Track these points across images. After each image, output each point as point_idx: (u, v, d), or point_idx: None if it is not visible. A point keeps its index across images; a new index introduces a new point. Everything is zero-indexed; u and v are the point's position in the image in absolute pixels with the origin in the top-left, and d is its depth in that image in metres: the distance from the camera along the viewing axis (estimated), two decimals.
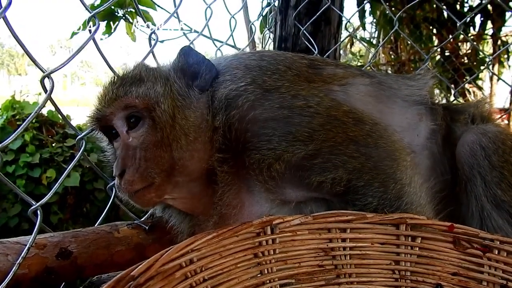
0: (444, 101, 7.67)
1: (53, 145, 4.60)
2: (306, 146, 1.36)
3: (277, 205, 1.45)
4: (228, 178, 1.43)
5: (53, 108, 4.80)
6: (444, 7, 5.88)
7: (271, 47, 2.98)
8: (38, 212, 1.37)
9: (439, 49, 6.97)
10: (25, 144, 4.43)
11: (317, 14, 2.48)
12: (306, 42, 2.56)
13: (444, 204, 1.54)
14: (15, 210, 4.32)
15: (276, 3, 2.83)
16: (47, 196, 1.44)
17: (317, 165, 1.37)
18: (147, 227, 1.67)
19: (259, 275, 1.24)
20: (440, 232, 1.32)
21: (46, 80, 1.41)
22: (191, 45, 2.01)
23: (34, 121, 4.66)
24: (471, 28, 6.82)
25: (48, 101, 1.48)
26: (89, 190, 4.58)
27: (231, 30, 2.57)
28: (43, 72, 1.39)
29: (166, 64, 1.61)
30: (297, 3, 2.63)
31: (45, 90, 1.40)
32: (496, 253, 1.29)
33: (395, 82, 1.72)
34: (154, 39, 1.92)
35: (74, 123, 5.17)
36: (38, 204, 1.37)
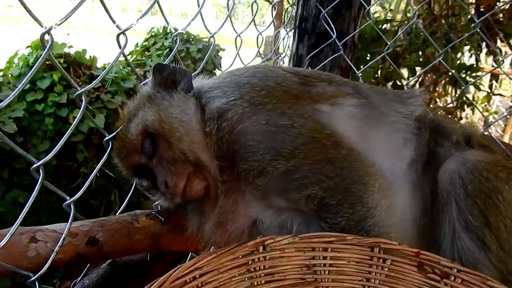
0: (473, 59, 7.51)
1: (80, 86, 4.76)
2: (287, 162, 1.51)
3: (263, 209, 1.63)
4: (227, 187, 1.60)
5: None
6: None
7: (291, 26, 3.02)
8: (72, 206, 1.57)
9: (474, 5, 6.73)
10: (54, 84, 4.60)
11: None
12: (326, 25, 2.58)
13: (424, 223, 1.70)
14: (44, 146, 4.57)
15: None
16: (79, 192, 1.65)
17: (296, 180, 1.52)
18: (163, 219, 1.85)
19: (250, 287, 1.46)
20: (408, 256, 1.49)
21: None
22: None
23: (62, 61, 4.81)
24: None
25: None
26: (113, 131, 4.79)
27: None
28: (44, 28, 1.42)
29: (148, 83, 1.78)
30: None
31: (44, 47, 1.44)
32: (453, 279, 1.45)
33: (386, 105, 1.80)
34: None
35: (101, 60, 5.34)
36: (71, 199, 1.58)
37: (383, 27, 6.50)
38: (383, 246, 1.49)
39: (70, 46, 4.98)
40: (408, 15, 7.86)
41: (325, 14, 2.58)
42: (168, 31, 6.21)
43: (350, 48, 2.70)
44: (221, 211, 1.62)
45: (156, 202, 1.95)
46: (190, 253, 2.27)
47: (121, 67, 5.21)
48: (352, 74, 2.78)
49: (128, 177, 1.80)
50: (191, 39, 6.55)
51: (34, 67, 1.44)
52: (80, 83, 4.81)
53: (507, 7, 6.86)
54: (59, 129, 4.60)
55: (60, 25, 1.46)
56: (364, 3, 2.60)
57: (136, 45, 6.26)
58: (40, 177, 1.44)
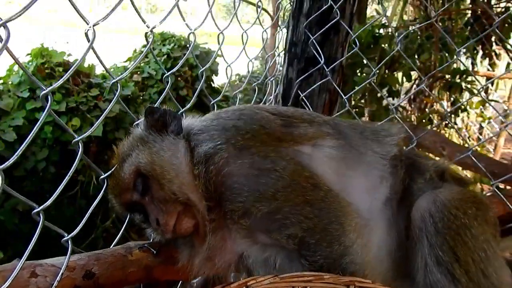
0: (470, 62, 7.55)
1: (79, 94, 4.84)
2: (270, 204, 1.59)
3: (249, 245, 1.72)
4: (215, 225, 1.68)
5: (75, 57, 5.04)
6: None
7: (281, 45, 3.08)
8: (69, 242, 1.65)
9: (469, 8, 6.78)
10: (53, 92, 4.66)
11: (326, 27, 2.54)
12: (314, 51, 2.65)
13: (399, 257, 1.77)
14: (42, 154, 4.66)
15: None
16: (77, 229, 1.70)
17: (278, 220, 1.60)
18: (155, 251, 1.95)
19: None
20: None
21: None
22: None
23: (61, 69, 4.89)
24: None
25: None
26: (111, 139, 4.87)
27: None
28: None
29: (141, 125, 1.83)
30: (309, 12, 2.67)
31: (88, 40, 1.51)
32: None
33: (363, 145, 1.88)
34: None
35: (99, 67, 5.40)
36: (69, 236, 1.64)
37: (379, 31, 6.54)
38: (358, 284, 1.57)
39: (69, 55, 5.05)
40: (405, 17, 7.94)
41: (313, 40, 2.66)
42: (166, 37, 6.27)
43: (338, 72, 2.77)
44: (210, 246, 1.70)
45: (148, 233, 2.05)
46: (180, 281, 2.37)
47: (119, 74, 5.28)
48: (339, 97, 2.86)
49: (121, 213, 1.88)
50: (188, 45, 6.54)
51: None
52: (79, 91, 4.90)
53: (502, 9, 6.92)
54: (57, 137, 4.68)
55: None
56: (350, 31, 2.67)
57: (134, 51, 6.31)
58: (41, 221, 1.51)
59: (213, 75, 6.48)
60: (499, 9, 7.06)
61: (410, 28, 7.09)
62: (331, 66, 2.71)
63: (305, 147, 1.77)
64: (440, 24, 7.12)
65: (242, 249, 1.73)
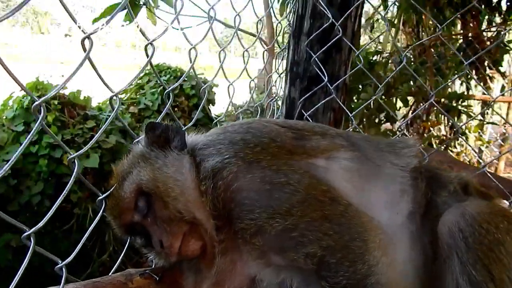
0: (464, 86, 7.61)
1: (74, 126, 4.77)
2: (285, 220, 1.46)
3: (262, 267, 1.59)
4: (224, 246, 1.57)
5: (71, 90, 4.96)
6: None
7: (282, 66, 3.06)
8: (64, 269, 1.53)
9: (461, 34, 6.86)
10: (48, 125, 4.60)
11: (328, 44, 2.51)
12: (317, 69, 2.61)
13: (426, 277, 1.64)
14: (37, 188, 4.55)
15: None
16: (71, 256, 1.58)
17: (294, 238, 1.47)
18: (157, 278, 1.83)
19: None
20: None
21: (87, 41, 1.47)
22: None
23: (56, 102, 4.84)
24: (497, 13, 6.66)
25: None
26: (108, 171, 4.77)
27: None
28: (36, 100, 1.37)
29: (141, 141, 1.74)
30: (309, 31, 2.65)
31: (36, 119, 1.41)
32: None
33: (380, 157, 1.77)
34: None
35: (95, 99, 5.36)
36: (63, 263, 1.53)
37: (374, 58, 6.59)
38: None
39: (65, 88, 5.01)
40: (398, 44, 7.99)
41: (316, 58, 2.61)
42: (161, 69, 6.27)
43: (341, 90, 2.73)
44: (218, 270, 1.58)
45: (150, 258, 1.92)
46: None
47: (115, 105, 5.23)
48: (345, 116, 2.81)
49: (121, 236, 1.75)
50: (185, 78, 6.58)
51: None
52: (74, 124, 4.83)
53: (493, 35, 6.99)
54: (53, 170, 4.59)
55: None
56: (353, 47, 2.64)
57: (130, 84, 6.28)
58: (32, 245, 1.40)
59: (210, 104, 6.45)
60: (490, 34, 7.16)
61: (403, 54, 7.13)
62: (335, 84, 2.66)
63: (318, 160, 1.66)
64: (433, 50, 7.21)
65: (254, 272, 1.60)
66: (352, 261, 1.48)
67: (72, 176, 1.55)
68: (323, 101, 2.64)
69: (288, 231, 1.47)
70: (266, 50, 2.97)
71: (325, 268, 1.48)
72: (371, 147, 1.79)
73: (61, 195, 1.55)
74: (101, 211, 1.73)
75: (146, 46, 1.84)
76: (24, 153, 4.63)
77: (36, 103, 1.39)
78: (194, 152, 1.66)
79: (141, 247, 1.77)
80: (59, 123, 4.77)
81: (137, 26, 2.05)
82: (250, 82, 2.76)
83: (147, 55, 1.84)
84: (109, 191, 1.71)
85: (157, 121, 1.84)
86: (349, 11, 2.59)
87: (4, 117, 4.89)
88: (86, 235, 1.73)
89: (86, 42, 1.50)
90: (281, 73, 3.16)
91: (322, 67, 2.59)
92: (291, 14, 3.00)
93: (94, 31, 1.56)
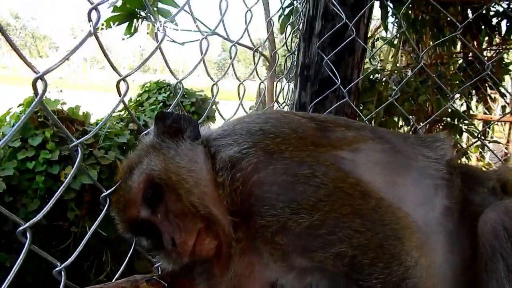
0: (464, 106, 7.59)
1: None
2: (311, 216, 1.33)
3: (284, 272, 1.45)
4: (242, 246, 1.44)
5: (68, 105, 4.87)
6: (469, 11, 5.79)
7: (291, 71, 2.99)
8: (63, 273, 1.41)
9: (461, 54, 6.86)
10: (46, 141, 4.51)
11: (341, 45, 2.45)
12: (329, 72, 2.53)
13: (465, 281, 1.51)
14: (34, 205, 4.41)
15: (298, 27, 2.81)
16: (71, 258, 1.49)
17: (321, 236, 1.34)
18: (166, 284, 1.69)
19: None
20: None
21: (39, 82, 1.29)
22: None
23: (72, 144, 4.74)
24: (497, 33, 6.68)
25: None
26: (106, 187, 4.65)
27: (245, 24, 2.50)
28: (36, 74, 1.26)
29: (151, 133, 1.65)
30: (321, 32, 2.60)
31: (36, 93, 1.30)
32: None
33: (412, 150, 1.66)
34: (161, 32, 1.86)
35: (94, 115, 5.26)
36: (62, 265, 1.42)
37: (374, 77, 6.56)
38: None
39: (63, 103, 4.94)
40: (398, 65, 8.01)
41: (328, 61, 2.54)
42: (161, 86, 6.22)
43: (354, 94, 2.66)
44: (235, 274, 1.45)
45: (157, 265, 1.77)
46: None
47: (115, 122, 5.13)
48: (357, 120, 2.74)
49: (125, 235, 1.58)
50: (184, 93, 6.53)
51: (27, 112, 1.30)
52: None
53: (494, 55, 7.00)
54: (50, 187, 4.46)
55: (52, 70, 1.30)
56: (366, 47, 2.57)
57: (130, 100, 6.23)
58: (28, 241, 1.28)
59: (210, 122, 6.37)
60: (489, 54, 7.17)
61: (404, 73, 7.14)
62: (348, 88, 2.57)
63: (345, 152, 1.53)
64: (433, 69, 7.19)
65: (275, 276, 1.46)
66: (387, 261, 1.34)
67: (75, 166, 1.42)
68: (335, 105, 2.56)
69: (315, 228, 1.34)
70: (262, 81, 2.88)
71: (356, 270, 1.34)
72: (399, 140, 1.67)
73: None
74: (104, 209, 1.61)
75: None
76: (20, 170, 4.51)
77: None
78: (208, 143, 1.54)
79: (147, 250, 1.63)
80: (57, 139, 4.66)
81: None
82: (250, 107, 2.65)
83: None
84: (114, 187, 1.59)
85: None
86: (362, 11, 2.53)
87: (1, 133, 4.78)
88: (88, 235, 1.61)
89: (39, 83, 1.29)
90: (289, 80, 3.08)
91: (334, 70, 2.51)
92: (295, 23, 2.95)
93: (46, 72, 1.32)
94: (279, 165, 1.40)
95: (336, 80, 2.50)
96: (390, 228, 1.37)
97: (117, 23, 4.14)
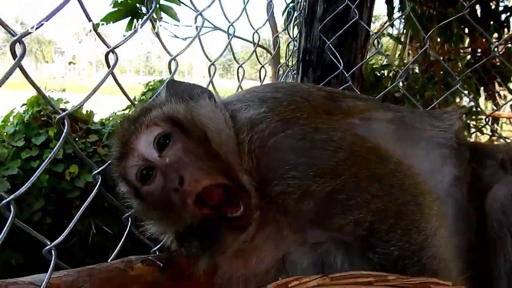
0: (472, 103, 7.48)
1: (76, 140, 4.64)
2: (333, 181, 1.28)
3: (297, 244, 1.39)
4: (258, 216, 1.36)
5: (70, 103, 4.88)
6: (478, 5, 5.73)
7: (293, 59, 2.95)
8: (53, 251, 1.35)
9: (469, 50, 6.78)
10: (49, 140, 4.49)
11: (344, 28, 2.38)
12: (331, 56, 2.48)
13: (470, 258, 1.45)
14: (38, 204, 4.39)
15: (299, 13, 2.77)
16: (62, 236, 1.43)
17: (340, 202, 1.29)
18: (161, 264, 1.63)
19: None
20: None
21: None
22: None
23: (58, 116, 4.73)
24: (505, 29, 6.59)
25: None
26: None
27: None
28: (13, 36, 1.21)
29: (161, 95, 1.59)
30: (323, 15, 2.54)
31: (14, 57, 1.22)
32: None
33: (420, 120, 1.63)
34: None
35: (98, 115, 5.25)
36: (52, 244, 1.35)
37: (380, 73, 6.51)
38: (434, 287, 1.17)
39: (66, 102, 4.92)
40: (405, 61, 7.94)
41: (330, 45, 2.48)
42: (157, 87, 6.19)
43: (358, 79, 2.60)
44: (247, 239, 1.36)
45: (154, 248, 1.71)
46: None
47: (119, 121, 5.11)
48: None
49: (118, 176, 1.51)
50: None
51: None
52: (76, 138, 4.70)
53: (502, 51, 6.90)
54: (54, 186, 4.43)
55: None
56: (370, 30, 2.51)
57: (134, 99, 6.18)
58: (11, 214, 1.23)
59: None
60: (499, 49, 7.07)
61: (411, 69, 7.07)
62: (351, 72, 2.51)
63: (357, 120, 1.50)
64: (441, 65, 7.11)
65: (285, 250, 1.39)
66: (406, 228, 1.28)
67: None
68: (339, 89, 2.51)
69: (335, 193, 1.30)
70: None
71: (375, 236, 1.29)
72: (407, 112, 1.63)
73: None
74: (97, 186, 1.56)
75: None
76: (24, 169, 4.50)
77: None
78: (226, 106, 1.48)
79: (140, 196, 1.47)
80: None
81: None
82: None
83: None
84: (106, 165, 1.53)
85: None
86: None
87: (5, 133, 4.78)
88: (81, 211, 1.55)
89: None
90: (292, 66, 3.03)
91: (337, 54, 2.46)
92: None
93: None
94: (296, 131, 1.36)
95: (339, 65, 2.44)
96: (409, 192, 1.32)
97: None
